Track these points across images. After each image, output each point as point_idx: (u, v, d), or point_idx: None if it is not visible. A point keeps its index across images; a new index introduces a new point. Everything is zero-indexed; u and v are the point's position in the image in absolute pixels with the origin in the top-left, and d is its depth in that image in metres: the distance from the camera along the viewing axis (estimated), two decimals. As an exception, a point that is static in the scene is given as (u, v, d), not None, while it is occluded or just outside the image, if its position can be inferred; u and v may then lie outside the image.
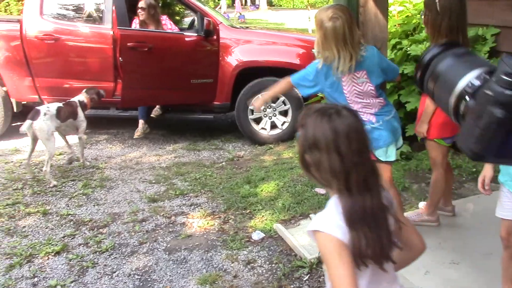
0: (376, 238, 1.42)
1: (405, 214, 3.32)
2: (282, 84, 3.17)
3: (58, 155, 5.80)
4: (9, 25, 6.32)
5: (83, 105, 5.40)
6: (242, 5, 46.57)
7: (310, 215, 3.92)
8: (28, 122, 4.87)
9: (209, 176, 5.06)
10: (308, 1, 19.40)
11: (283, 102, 6.11)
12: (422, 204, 3.65)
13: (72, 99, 5.42)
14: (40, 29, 6.13)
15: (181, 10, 11.61)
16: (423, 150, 5.03)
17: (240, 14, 26.56)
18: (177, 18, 11.79)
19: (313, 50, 6.02)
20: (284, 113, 6.18)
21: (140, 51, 5.79)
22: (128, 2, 6.09)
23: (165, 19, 6.37)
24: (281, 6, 49.28)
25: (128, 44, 5.73)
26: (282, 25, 26.73)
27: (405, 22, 5.64)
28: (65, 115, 5.19)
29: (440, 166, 3.23)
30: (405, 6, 6.03)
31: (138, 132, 6.30)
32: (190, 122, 7.06)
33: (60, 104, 5.25)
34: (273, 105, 6.13)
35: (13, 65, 6.23)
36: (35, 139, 5.04)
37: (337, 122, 1.45)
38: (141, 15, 6.02)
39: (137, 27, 6.09)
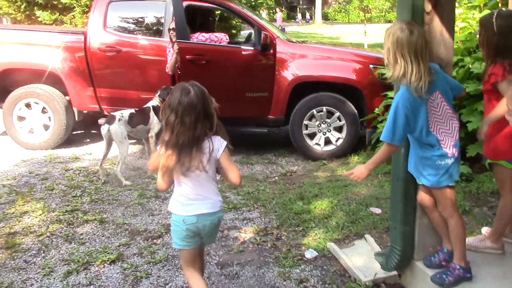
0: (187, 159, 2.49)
1: (467, 239, 3.17)
2: (385, 152, 2.68)
3: (115, 164, 5.93)
4: (74, 37, 6.58)
5: (157, 109, 5.57)
6: (299, 19, 46.80)
7: (365, 235, 3.82)
8: (105, 126, 5.29)
9: (262, 191, 5.04)
10: (364, 16, 19.18)
11: (338, 118, 6.03)
12: (485, 230, 3.48)
13: (146, 105, 5.64)
14: (103, 41, 6.35)
15: (238, 23, 11.76)
16: (485, 172, 4.83)
17: (281, 27, 26.63)
18: (234, 31, 11.98)
19: (370, 65, 5.94)
20: (339, 129, 6.10)
21: (197, 63, 5.87)
22: (188, 16, 6.21)
23: (197, 35, 6.25)
24: (336, 20, 49.14)
25: (187, 57, 5.82)
26: (337, 40, 26.62)
27: (468, 39, 5.46)
28: (136, 121, 5.50)
29: (509, 191, 3.07)
30: (468, 22, 5.84)
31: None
32: (243, 135, 7.08)
33: (133, 111, 5.53)
34: (328, 120, 6.07)
35: (77, 75, 6.48)
36: (109, 143, 5.40)
37: (183, 97, 2.51)
38: (173, 36, 5.88)
39: (167, 50, 6.03)
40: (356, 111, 6.03)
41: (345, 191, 4.92)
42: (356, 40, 25.09)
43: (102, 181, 5.34)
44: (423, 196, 2.86)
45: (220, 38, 6.26)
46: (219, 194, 2.66)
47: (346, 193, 4.84)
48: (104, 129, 5.31)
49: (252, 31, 6.61)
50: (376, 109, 5.76)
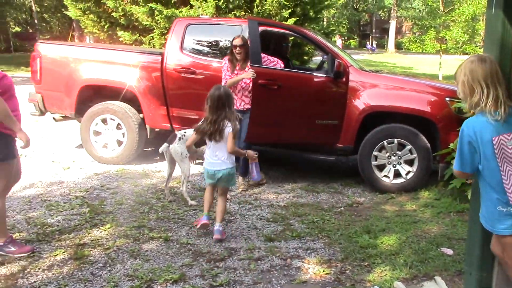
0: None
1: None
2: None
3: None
4: (152, 57, 6.82)
5: None
6: (371, 47, 46.42)
7: (435, 277, 3.63)
8: (165, 145, 5.38)
9: (327, 220, 4.94)
10: (440, 46, 18.72)
11: (410, 151, 5.85)
12: None
13: None
14: (179, 63, 6.54)
15: (310, 50, 11.78)
16: None
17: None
18: (306, 58, 12.00)
19: (447, 98, 5.73)
20: (410, 162, 5.91)
21: (269, 88, 5.91)
22: (262, 41, 6.27)
23: (266, 58, 6.10)
24: (409, 50, 48.24)
25: (259, 81, 5.88)
26: (410, 70, 26.10)
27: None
28: (199, 142, 5.42)
29: None
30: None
31: (240, 187, 6.12)
32: (310, 162, 7.01)
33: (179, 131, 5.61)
34: (399, 153, 5.89)
35: (152, 94, 6.69)
36: (171, 162, 5.48)
37: (215, 91, 4.28)
38: (238, 53, 5.84)
39: (226, 66, 5.96)
40: (429, 144, 5.82)
41: (414, 227, 4.73)
42: (430, 71, 24.47)
43: (168, 200, 5.42)
44: (493, 241, 2.68)
45: (275, 60, 6.16)
46: (230, 157, 4.41)
47: (415, 230, 4.65)
48: (162, 147, 5.39)
49: (325, 58, 6.57)
50: (451, 144, 5.52)
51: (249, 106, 5.89)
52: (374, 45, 49.04)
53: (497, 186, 2.50)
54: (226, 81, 5.86)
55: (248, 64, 5.86)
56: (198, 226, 4.47)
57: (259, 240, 4.45)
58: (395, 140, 5.88)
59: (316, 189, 6.13)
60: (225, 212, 4.60)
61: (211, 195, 4.59)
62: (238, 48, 5.83)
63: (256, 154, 4.70)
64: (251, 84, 5.83)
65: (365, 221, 4.97)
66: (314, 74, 6.33)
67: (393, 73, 8.67)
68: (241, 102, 5.94)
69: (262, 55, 5.95)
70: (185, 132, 5.42)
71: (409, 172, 5.91)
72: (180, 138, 5.36)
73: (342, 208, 5.43)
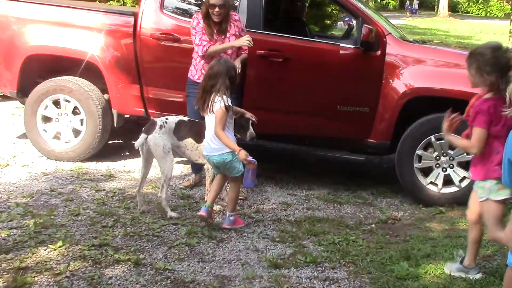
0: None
1: None
2: None
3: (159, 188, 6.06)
4: (121, 18, 6.84)
5: None
6: (414, 8, 46.34)
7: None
8: (142, 136, 5.35)
9: (352, 242, 4.98)
10: (511, 8, 18.63)
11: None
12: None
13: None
14: (158, 26, 6.54)
15: (334, 12, 11.78)
16: None
17: None
18: (328, 22, 12.01)
19: None
20: (466, 166, 5.90)
21: (272, 61, 5.92)
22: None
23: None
24: (468, 13, 48.21)
25: (257, 51, 5.90)
26: (468, 40, 26.08)
27: None
28: (185, 133, 5.49)
29: None
30: None
31: (187, 182, 6.34)
32: (331, 163, 7.03)
33: (184, 118, 5.61)
34: (451, 152, 5.89)
35: (121, 68, 6.73)
36: (148, 160, 5.52)
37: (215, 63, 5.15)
38: (217, 15, 5.77)
39: (201, 28, 5.88)
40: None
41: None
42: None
43: (141, 210, 5.44)
44: None
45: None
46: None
47: (471, 257, 4.66)
48: (139, 141, 5.37)
49: (354, 24, 6.58)
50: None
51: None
52: (416, 5, 48.77)
53: None
54: (205, 48, 5.78)
55: (232, 27, 5.87)
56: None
57: (261, 266, 4.47)
58: None
59: (339, 199, 6.15)
60: (236, 201, 5.25)
61: (217, 184, 5.26)
62: (217, 9, 5.74)
63: (253, 161, 4.90)
64: (234, 56, 5.87)
65: (403, 243, 4.99)
66: (337, 44, 6.35)
67: (445, 44, 8.67)
68: None
69: (234, 14, 5.98)
70: (167, 119, 5.44)
71: (464, 178, 5.92)
72: (161, 126, 5.35)
73: (373, 226, 5.45)
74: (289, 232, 5.14)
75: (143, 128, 5.45)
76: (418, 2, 51.24)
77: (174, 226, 5.16)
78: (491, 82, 3.92)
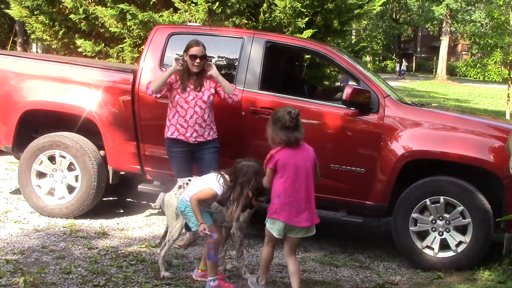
0: None
1: None
2: None
3: (154, 246, 6.04)
4: (120, 75, 6.93)
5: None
6: (401, 70, 47.03)
7: None
8: (161, 195, 5.47)
9: None
10: (509, 74, 18.87)
11: (462, 214, 5.87)
12: None
13: None
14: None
15: (333, 73, 11.93)
16: None
17: None
18: (326, 83, 12.14)
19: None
20: (462, 230, 5.91)
21: (263, 117, 6.01)
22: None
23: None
24: (466, 76, 48.84)
25: (251, 108, 6.10)
26: (467, 103, 26.36)
27: None
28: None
29: None
30: None
31: (181, 241, 6.27)
32: (328, 225, 6.99)
33: None
34: (447, 216, 5.90)
35: (118, 125, 6.79)
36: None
37: None
38: (197, 66, 5.93)
39: (172, 79, 6.02)
40: (489, 206, 5.83)
41: (469, 321, 4.71)
42: (494, 107, 24.77)
43: (162, 275, 5.33)
44: None
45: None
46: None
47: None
48: (158, 199, 5.51)
49: (347, 84, 6.70)
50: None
51: (214, 136, 6.10)
52: (404, 67, 49.42)
53: None
54: (149, 87, 5.99)
55: (207, 82, 6.02)
56: None
57: (255, 331, 4.41)
58: (442, 199, 5.90)
59: (335, 261, 6.12)
60: (214, 265, 5.04)
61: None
62: (198, 60, 5.90)
63: (212, 236, 4.94)
64: (208, 111, 6.00)
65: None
66: (332, 104, 6.45)
67: (443, 107, 8.77)
68: (193, 132, 6.00)
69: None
70: (189, 180, 5.45)
71: (460, 242, 5.92)
72: (180, 187, 5.37)
73: None
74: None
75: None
76: (406, 64, 52.06)
77: (167, 287, 5.12)
78: None
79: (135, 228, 6.78)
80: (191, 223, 5.03)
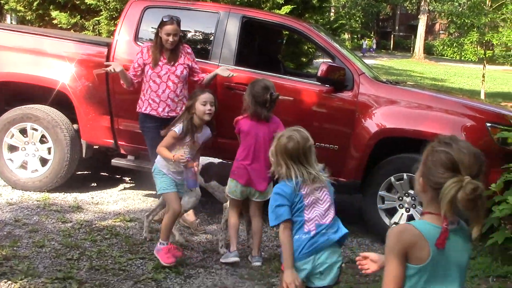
0: None
1: None
2: None
3: (129, 221, 6.06)
4: (95, 48, 6.90)
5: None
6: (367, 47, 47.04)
7: None
8: None
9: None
10: (485, 53, 19.01)
11: None
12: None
13: None
14: (132, 58, 6.55)
15: (311, 50, 11.94)
16: None
17: None
18: (304, 60, 12.15)
19: (488, 124, 5.88)
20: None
21: (237, 93, 6.10)
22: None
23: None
24: (443, 56, 49.12)
25: (225, 83, 6.17)
26: (443, 82, 26.54)
27: None
28: (212, 175, 5.81)
29: None
30: None
31: (157, 216, 6.19)
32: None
33: (214, 160, 5.89)
34: (412, 192, 6.01)
35: (92, 99, 6.77)
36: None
37: None
38: (171, 43, 5.87)
39: (144, 56, 5.99)
40: None
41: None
42: (469, 86, 24.97)
43: (144, 237, 5.63)
44: None
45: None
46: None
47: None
48: None
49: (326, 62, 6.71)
50: (492, 185, 5.63)
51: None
52: (374, 45, 49.23)
53: None
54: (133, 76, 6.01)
55: (182, 58, 6.01)
56: None
57: (229, 303, 4.47)
58: (405, 175, 5.99)
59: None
60: (168, 228, 5.15)
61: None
62: (171, 38, 5.85)
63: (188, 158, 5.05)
64: (181, 86, 6.00)
65: (373, 283, 5.04)
66: (308, 81, 6.51)
67: (418, 86, 8.83)
68: (165, 106, 5.99)
69: (187, 47, 6.12)
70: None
71: None
72: None
73: (343, 265, 5.44)
74: (258, 270, 5.15)
75: None
76: (375, 41, 52.00)
77: (141, 261, 5.15)
78: None
79: (110, 202, 6.79)
80: (157, 186, 5.18)
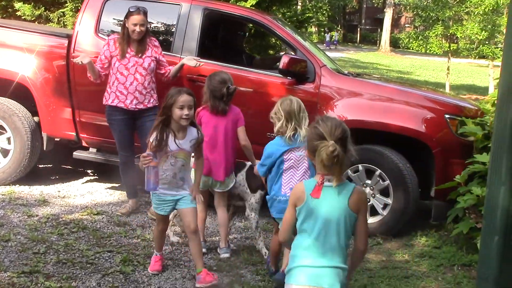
0: None
1: None
2: None
3: (96, 214, 6.02)
4: (55, 40, 6.82)
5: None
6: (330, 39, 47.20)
7: None
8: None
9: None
10: (449, 46, 19.24)
11: (381, 177, 6.04)
12: None
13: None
14: (93, 49, 6.54)
15: (278, 42, 11.94)
16: None
17: None
18: (271, 52, 12.15)
19: (446, 115, 5.93)
20: (385, 192, 6.08)
21: (199, 85, 6.05)
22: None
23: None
24: (409, 49, 49.57)
25: (188, 75, 6.20)
26: (409, 75, 26.74)
27: None
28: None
29: None
30: None
31: (124, 209, 6.30)
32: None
33: None
34: (369, 182, 6.09)
35: (52, 90, 6.71)
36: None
37: None
38: (138, 33, 5.88)
39: (111, 48, 5.99)
40: (401, 165, 5.95)
41: (405, 284, 4.88)
42: (434, 78, 25.24)
43: (171, 240, 5.55)
44: None
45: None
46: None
47: (407, 288, 4.80)
48: None
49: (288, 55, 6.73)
50: (457, 176, 5.70)
51: (155, 104, 6.07)
52: (336, 37, 49.37)
53: None
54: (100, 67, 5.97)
55: (150, 50, 6.00)
56: None
57: (198, 295, 4.48)
58: (360, 166, 6.06)
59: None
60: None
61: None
62: (138, 28, 5.87)
63: (154, 160, 4.49)
64: (148, 78, 5.99)
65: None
66: (268, 73, 6.52)
67: (380, 78, 8.90)
68: (133, 99, 5.96)
69: (155, 40, 6.15)
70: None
71: (386, 205, 6.07)
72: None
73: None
74: (226, 261, 5.16)
75: None
76: (338, 35, 52.15)
77: (109, 254, 5.14)
78: None
79: (77, 196, 6.74)
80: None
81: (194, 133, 4.68)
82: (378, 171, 6.02)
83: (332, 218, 3.06)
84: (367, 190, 6.08)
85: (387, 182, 6.01)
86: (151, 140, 4.50)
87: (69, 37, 6.72)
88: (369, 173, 6.09)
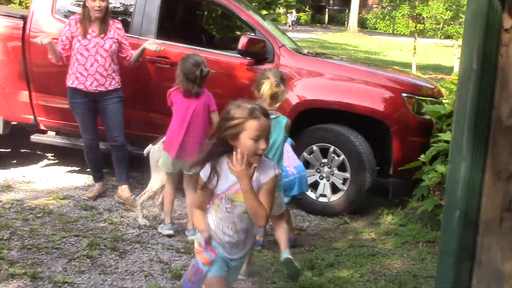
0: None
1: None
2: None
3: (62, 198, 5.95)
4: (9, 20, 6.69)
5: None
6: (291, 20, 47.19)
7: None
8: (149, 147, 5.55)
9: (257, 253, 5.05)
10: (415, 27, 19.38)
11: (335, 153, 6.07)
12: None
13: None
14: (49, 30, 6.41)
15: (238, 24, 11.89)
16: None
17: None
18: (238, 33, 12.09)
19: (404, 94, 5.95)
20: (342, 167, 6.12)
21: (159, 66, 6.08)
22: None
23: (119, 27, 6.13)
24: (376, 29, 49.77)
25: (147, 56, 6.14)
26: (377, 55, 26.83)
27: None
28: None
29: None
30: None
31: (91, 193, 6.25)
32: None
33: None
34: (325, 160, 6.13)
35: (8, 73, 6.61)
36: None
37: None
38: (98, 11, 5.78)
39: (72, 28, 5.89)
40: (352, 137, 6.01)
41: (371, 262, 4.93)
42: (401, 58, 25.38)
43: (139, 222, 5.55)
44: None
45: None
46: None
47: (372, 265, 4.86)
48: (146, 149, 5.60)
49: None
50: (422, 155, 5.75)
51: (117, 86, 6.01)
52: (294, 18, 49.38)
53: None
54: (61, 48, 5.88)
55: (112, 32, 5.92)
56: None
57: (165, 277, 4.50)
58: (314, 147, 6.10)
59: (245, 210, 6.19)
60: None
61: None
62: (98, 2, 5.76)
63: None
64: (109, 60, 5.91)
65: (308, 253, 5.13)
66: (227, 54, 6.53)
67: (342, 58, 8.92)
68: (93, 80, 5.88)
69: (118, 22, 6.09)
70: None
71: (345, 180, 6.11)
72: (164, 141, 5.44)
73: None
74: (193, 243, 5.14)
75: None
76: (297, 15, 52.07)
77: (75, 238, 5.10)
78: None
79: (42, 181, 6.66)
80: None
81: (271, 170, 3.08)
82: (332, 148, 6.04)
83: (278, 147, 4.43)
84: (326, 169, 6.12)
85: (342, 156, 6.03)
86: (202, 175, 3.08)
87: (24, 18, 6.60)
88: (324, 152, 6.11)
